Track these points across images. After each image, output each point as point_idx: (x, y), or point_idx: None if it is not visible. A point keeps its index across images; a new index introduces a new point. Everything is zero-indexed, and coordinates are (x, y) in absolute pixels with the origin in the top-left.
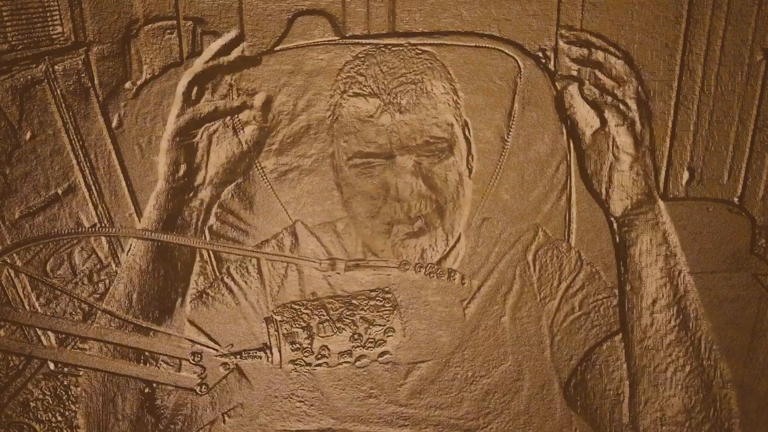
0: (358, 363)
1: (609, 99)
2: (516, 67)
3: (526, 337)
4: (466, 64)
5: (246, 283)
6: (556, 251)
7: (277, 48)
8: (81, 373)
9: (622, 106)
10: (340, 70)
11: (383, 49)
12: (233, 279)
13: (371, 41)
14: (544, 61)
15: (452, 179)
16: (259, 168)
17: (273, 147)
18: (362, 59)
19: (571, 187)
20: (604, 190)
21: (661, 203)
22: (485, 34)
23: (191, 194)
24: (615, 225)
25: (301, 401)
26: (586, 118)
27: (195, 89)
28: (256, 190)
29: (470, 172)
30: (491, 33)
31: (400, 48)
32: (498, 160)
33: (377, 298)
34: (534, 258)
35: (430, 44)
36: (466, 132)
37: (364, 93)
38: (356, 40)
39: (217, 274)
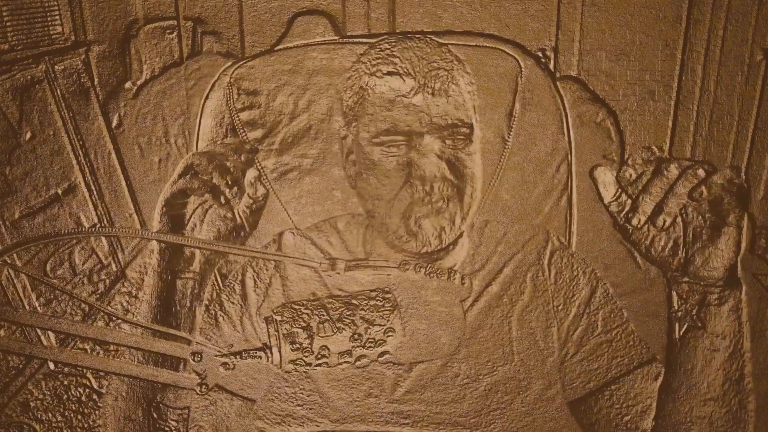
0: (358, 363)
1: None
2: (517, 66)
3: (533, 340)
4: (468, 65)
5: (230, 299)
6: (570, 259)
7: (278, 48)
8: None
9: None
10: (362, 55)
11: (411, 36)
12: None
13: (371, 41)
14: (544, 61)
15: (471, 166)
16: (260, 168)
17: (273, 147)
18: (392, 43)
19: (572, 188)
20: (690, 253)
21: (744, 287)
22: (485, 33)
23: (183, 266)
24: (685, 295)
25: (299, 405)
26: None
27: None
28: None
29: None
30: (491, 33)
31: (425, 39)
32: (499, 160)
33: (377, 298)
34: (549, 263)
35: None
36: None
37: (400, 72)
38: (356, 40)
39: (221, 287)
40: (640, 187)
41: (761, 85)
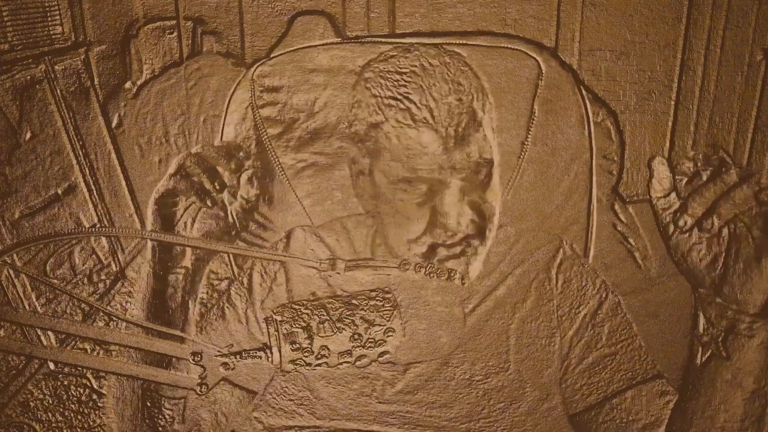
0: (358, 363)
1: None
2: (537, 68)
3: (531, 351)
4: (485, 67)
5: (237, 291)
6: (580, 268)
7: (300, 47)
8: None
9: None
10: (370, 80)
11: (424, 64)
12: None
13: (394, 41)
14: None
15: (491, 200)
16: (278, 164)
17: (291, 143)
18: (407, 75)
19: (591, 195)
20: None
21: None
22: (506, 34)
23: (173, 262)
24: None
25: (290, 399)
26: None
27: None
28: (275, 186)
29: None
30: (493, 32)
31: (440, 63)
32: (516, 164)
33: (377, 298)
34: (557, 272)
35: (454, 44)
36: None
37: (418, 125)
38: (378, 40)
39: (235, 277)
40: (693, 187)
41: (761, 85)
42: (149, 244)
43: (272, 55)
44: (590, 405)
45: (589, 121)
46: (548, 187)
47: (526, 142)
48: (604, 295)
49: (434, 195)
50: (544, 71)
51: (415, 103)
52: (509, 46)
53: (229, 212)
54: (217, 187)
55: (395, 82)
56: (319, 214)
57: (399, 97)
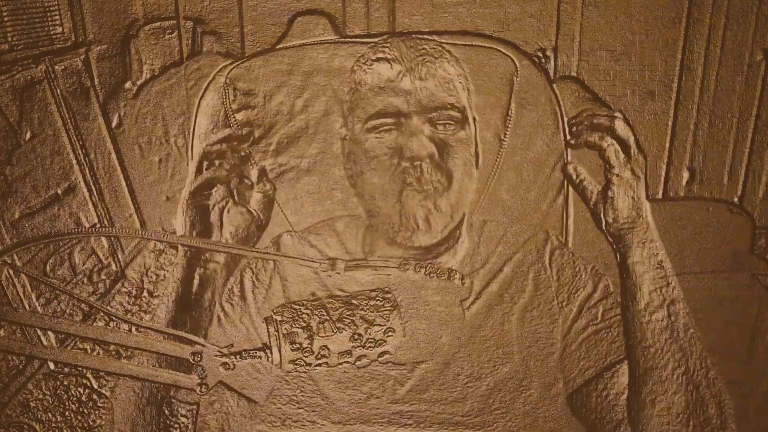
0: (358, 363)
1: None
2: (512, 66)
3: (535, 339)
4: (464, 64)
5: (229, 301)
6: (570, 256)
7: (278, 47)
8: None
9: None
10: (361, 56)
11: (409, 36)
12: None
13: (371, 41)
14: (543, 61)
15: (462, 156)
16: (257, 168)
17: (270, 147)
18: (386, 39)
19: (568, 187)
20: (604, 210)
21: (650, 219)
22: (481, 33)
23: (207, 256)
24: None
25: (301, 407)
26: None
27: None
28: None
29: (477, 163)
30: (489, 33)
31: (420, 37)
32: (495, 159)
33: (377, 298)
34: (550, 261)
35: (432, 40)
36: (475, 126)
37: (387, 58)
38: (354, 40)
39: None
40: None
41: (761, 85)
42: (180, 248)
43: (245, 58)
44: (587, 380)
45: (562, 118)
46: (528, 182)
47: (504, 139)
48: (597, 279)
49: (402, 135)
50: (519, 70)
51: (388, 47)
52: (485, 45)
53: (251, 209)
54: (254, 163)
55: (376, 45)
56: (318, 215)
57: (377, 48)
